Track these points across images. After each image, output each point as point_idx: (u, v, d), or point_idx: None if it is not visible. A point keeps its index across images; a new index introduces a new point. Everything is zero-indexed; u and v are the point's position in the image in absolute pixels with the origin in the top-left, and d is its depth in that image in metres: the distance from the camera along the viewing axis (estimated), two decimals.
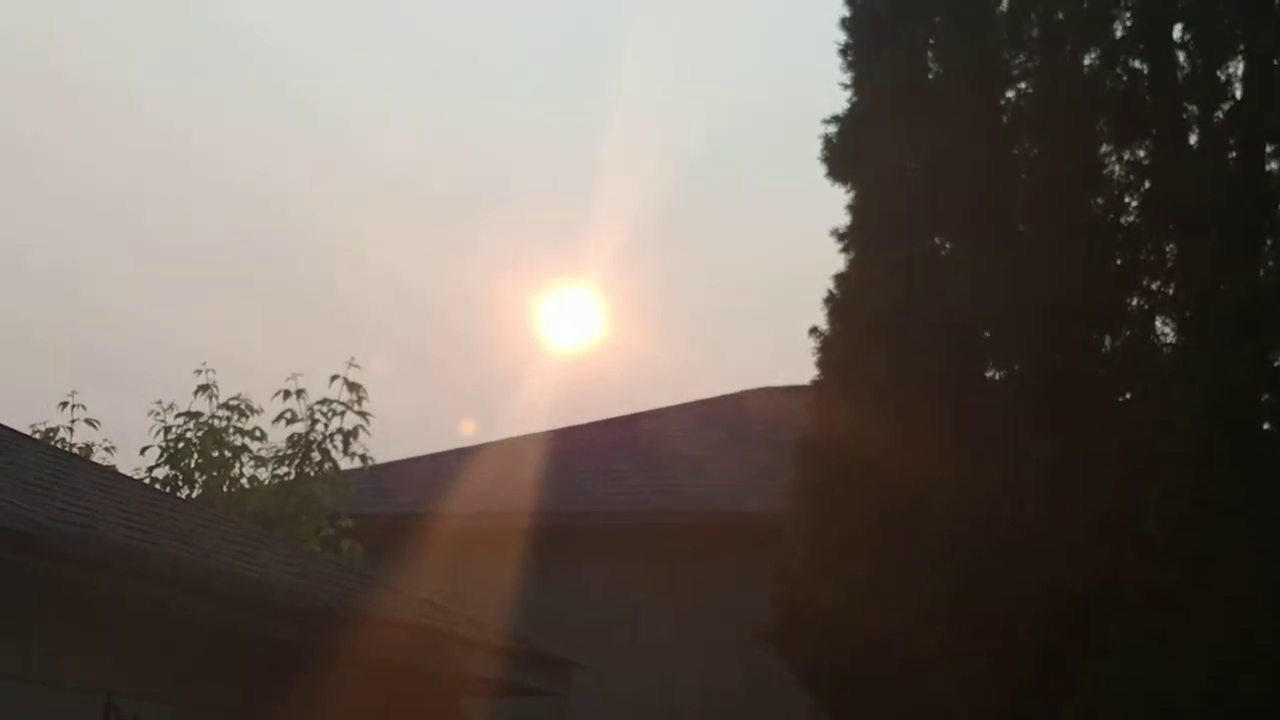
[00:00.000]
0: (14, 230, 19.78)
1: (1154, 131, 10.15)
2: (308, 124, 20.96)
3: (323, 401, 12.66)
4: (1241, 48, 10.18)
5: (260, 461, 12.88)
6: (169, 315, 20.46)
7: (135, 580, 6.19)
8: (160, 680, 6.87)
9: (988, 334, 10.23)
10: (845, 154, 11.21)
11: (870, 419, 10.19)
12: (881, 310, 10.53)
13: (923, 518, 9.57)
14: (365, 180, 21.57)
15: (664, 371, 20.71)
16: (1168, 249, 9.81)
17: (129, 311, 20.37)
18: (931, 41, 11.11)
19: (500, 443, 16.32)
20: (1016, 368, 9.91)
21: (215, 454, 12.93)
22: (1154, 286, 9.70)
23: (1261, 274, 9.38)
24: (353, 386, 12.67)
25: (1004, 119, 10.78)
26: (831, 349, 10.79)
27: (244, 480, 13.01)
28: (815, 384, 10.85)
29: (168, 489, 12.37)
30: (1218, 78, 10.14)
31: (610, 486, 14.21)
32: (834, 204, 11.26)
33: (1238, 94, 10.14)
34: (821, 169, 11.37)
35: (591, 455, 15.35)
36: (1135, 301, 9.68)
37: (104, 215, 20.54)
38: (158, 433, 12.82)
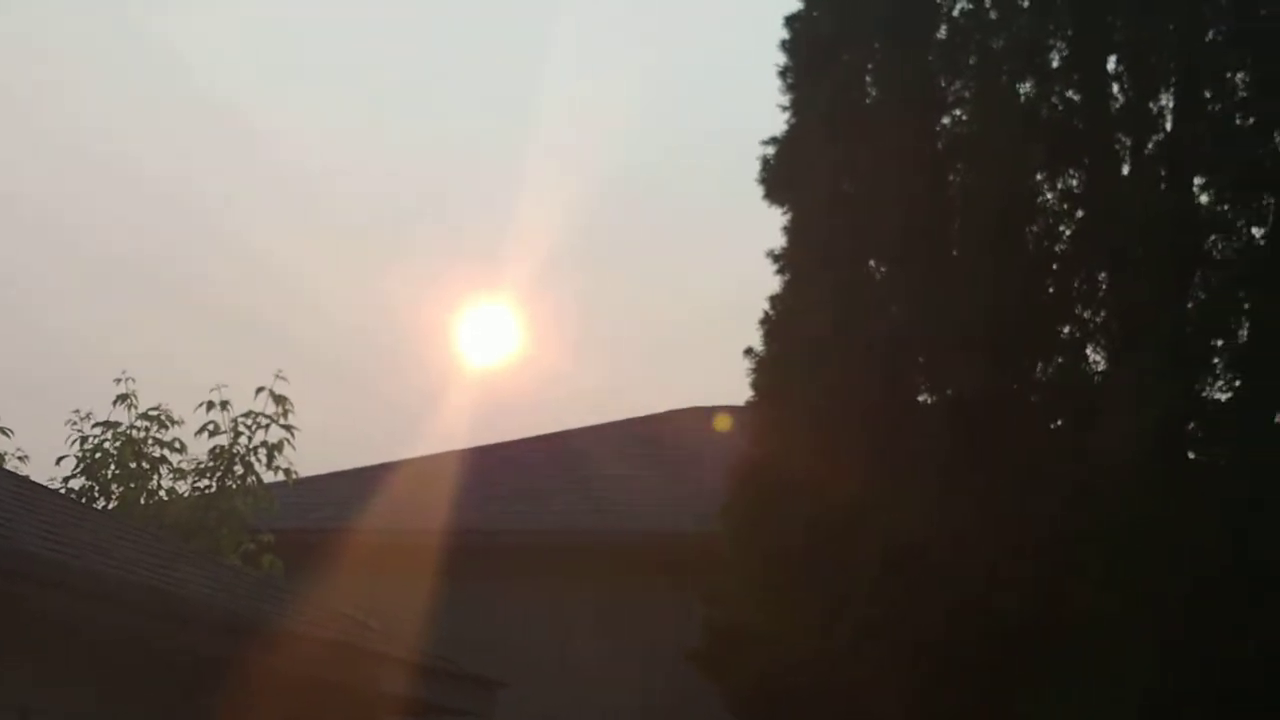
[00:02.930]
0: None
1: (1087, 161, 10.20)
2: (231, 139, 20.79)
3: (247, 414, 12.47)
4: (1173, 80, 10.28)
5: (180, 474, 12.67)
6: (86, 326, 20.12)
7: (53, 592, 6.02)
8: (78, 695, 6.68)
9: (921, 359, 10.23)
10: (782, 176, 11.19)
11: (804, 441, 10.15)
12: (816, 333, 10.51)
13: (856, 541, 9.54)
14: (287, 196, 21.40)
15: (583, 389, 20.68)
16: (1100, 278, 9.86)
17: (45, 321, 20.03)
18: (870, 66, 11.13)
19: (425, 459, 16.14)
20: (949, 393, 9.89)
21: (133, 465, 12.71)
22: (1086, 315, 9.73)
23: (1191, 305, 9.44)
24: (278, 399, 12.49)
25: (940, 145, 10.81)
26: (766, 371, 10.75)
27: (162, 492, 12.78)
28: (750, 405, 10.81)
29: (84, 500, 12.12)
30: (1149, 109, 10.21)
31: (538, 504, 14.09)
32: (756, 227, 11.32)
33: (1168, 126, 10.23)
34: (758, 191, 11.39)
35: (518, 472, 15.22)
36: (1067, 329, 9.71)
37: (20, 223, 20.22)
38: (74, 443, 12.59)
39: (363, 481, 15.38)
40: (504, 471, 15.34)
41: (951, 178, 10.70)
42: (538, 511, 13.98)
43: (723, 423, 13.66)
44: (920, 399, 10.33)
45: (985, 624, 8.73)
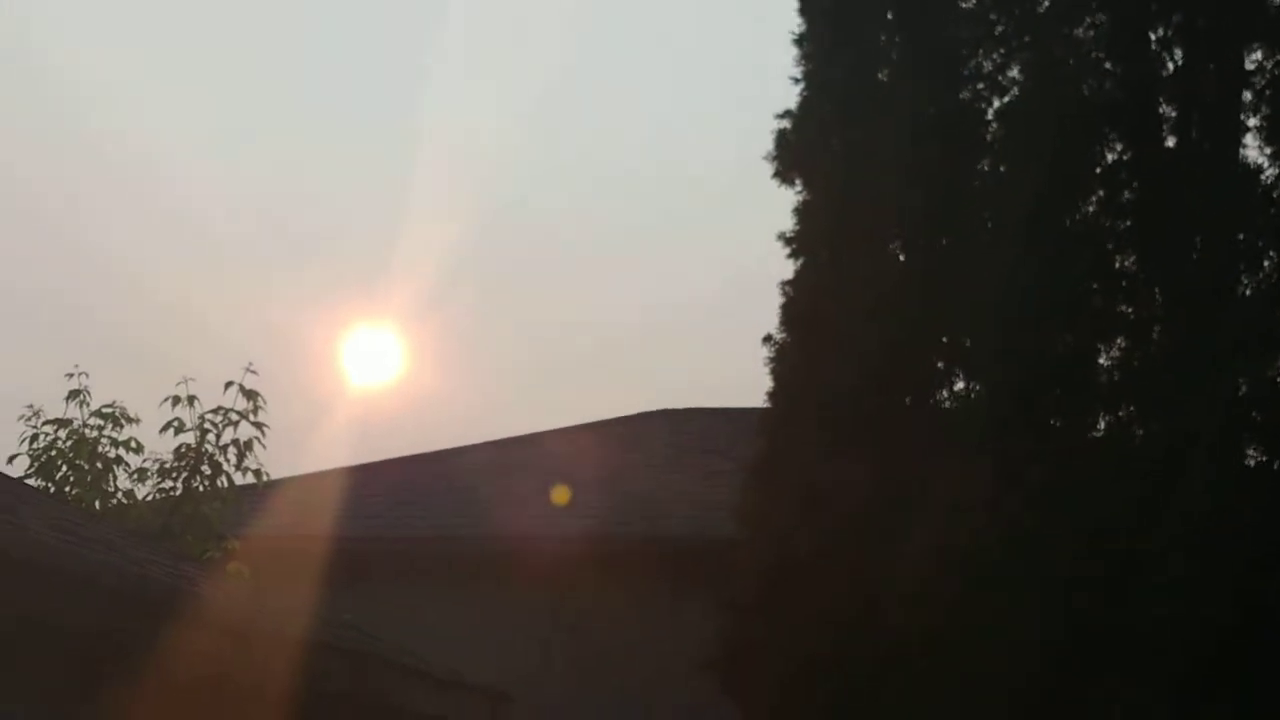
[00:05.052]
0: None
1: (1133, 133, 9.63)
2: (113, 166, 19.98)
3: (216, 410, 11.54)
4: (1216, 49, 9.74)
5: (141, 474, 11.72)
6: None
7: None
8: (88, 704, 5.85)
9: (954, 345, 9.59)
10: (795, 153, 10.53)
11: (834, 435, 9.46)
12: (841, 320, 9.84)
13: (898, 541, 8.84)
14: (173, 223, 20.53)
15: (476, 410, 20.14)
16: (1154, 256, 9.26)
17: None
18: (893, 37, 10.51)
19: (386, 463, 15.30)
20: (1000, 379, 9.22)
21: (86, 466, 11.76)
22: (1145, 294, 9.14)
23: (1260, 278, 8.86)
24: (249, 394, 11.57)
25: (970, 119, 10.21)
26: (787, 359, 10.06)
27: (120, 495, 11.83)
28: (770, 395, 10.10)
29: None
30: (1195, 78, 9.68)
31: (520, 509, 13.27)
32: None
33: (1214, 95, 9.69)
34: (769, 169, 10.72)
35: (492, 476, 14.38)
36: (1127, 309, 9.10)
37: None
38: (25, 441, 11.62)
39: (320, 486, 14.52)
40: (478, 474, 14.52)
41: (984, 154, 10.11)
42: (518, 515, 13.15)
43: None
44: (957, 387, 9.71)
45: (1057, 628, 8.05)
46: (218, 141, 21.06)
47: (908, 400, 9.79)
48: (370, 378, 17.87)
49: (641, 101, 20.84)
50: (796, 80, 10.68)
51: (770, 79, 18.01)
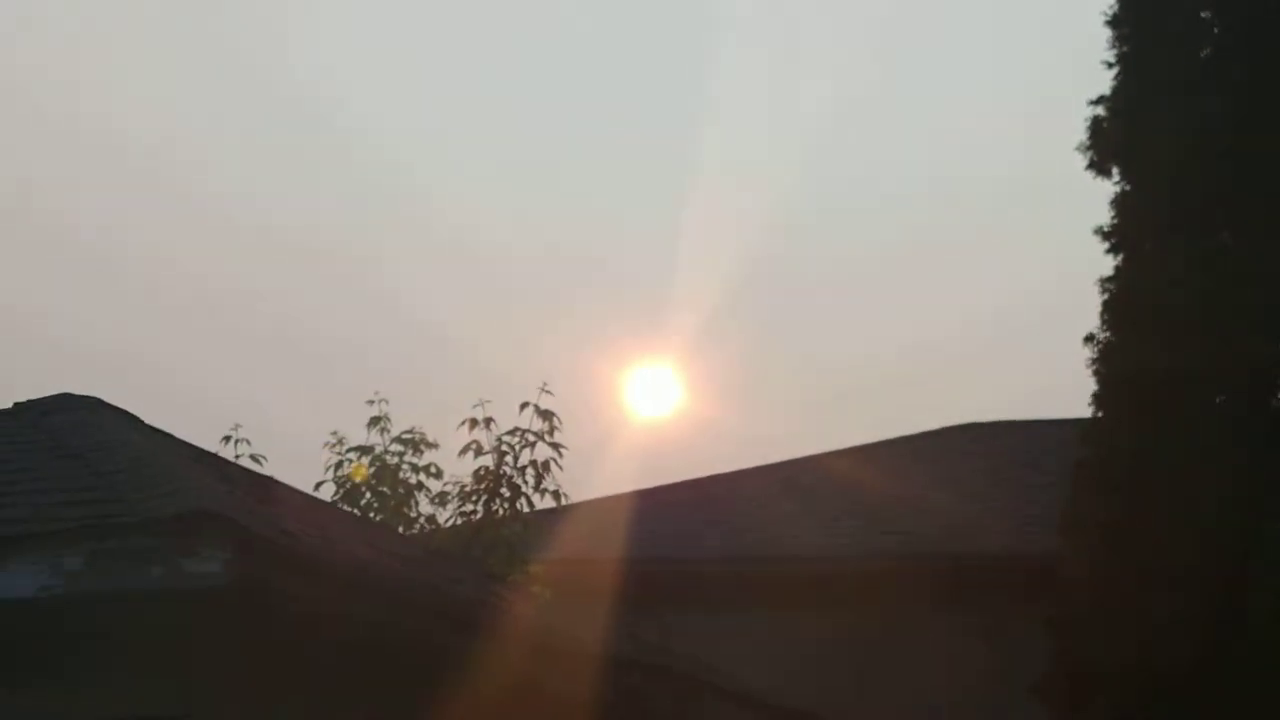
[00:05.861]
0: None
1: None
2: (396, 206, 20.39)
3: (512, 431, 11.39)
4: None
5: (443, 498, 11.66)
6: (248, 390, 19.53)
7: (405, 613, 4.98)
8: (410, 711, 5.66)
9: None
10: (1115, 140, 9.87)
11: (1174, 438, 8.77)
12: (1174, 313, 9.16)
13: (1250, 551, 8.12)
14: (450, 257, 20.80)
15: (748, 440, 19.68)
16: None
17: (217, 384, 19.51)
18: (1215, 14, 9.78)
19: (674, 486, 15.01)
20: None
21: (387, 491, 11.77)
22: None
23: None
24: (545, 415, 11.39)
25: None
26: (1113, 358, 9.39)
27: (422, 520, 11.80)
28: (1095, 399, 9.45)
29: None
30: None
31: (822, 529, 12.80)
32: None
33: None
34: (1082, 160, 10.08)
35: (785, 496, 13.95)
36: None
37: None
38: (329, 468, 11.69)
39: (612, 509, 14.30)
40: (767, 496, 14.10)
41: None
42: (825, 536, 12.68)
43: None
44: None
45: None
46: (497, 177, 21.32)
47: (1246, 400, 9.04)
48: (650, 408, 17.72)
49: (913, 118, 20.34)
50: (1110, 64, 10.05)
51: (1042, 80, 17.31)
